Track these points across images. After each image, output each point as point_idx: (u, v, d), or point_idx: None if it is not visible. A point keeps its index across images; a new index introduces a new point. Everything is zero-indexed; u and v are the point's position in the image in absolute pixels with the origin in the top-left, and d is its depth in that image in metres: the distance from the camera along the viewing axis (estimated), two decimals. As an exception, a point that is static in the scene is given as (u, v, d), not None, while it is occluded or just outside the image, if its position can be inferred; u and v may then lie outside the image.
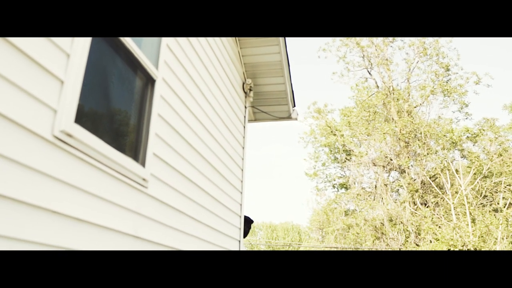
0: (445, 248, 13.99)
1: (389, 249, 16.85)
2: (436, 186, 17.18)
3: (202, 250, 3.47)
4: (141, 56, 2.40)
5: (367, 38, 19.11)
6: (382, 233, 17.92)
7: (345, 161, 21.04)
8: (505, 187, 15.96)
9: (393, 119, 19.03)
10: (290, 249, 25.06)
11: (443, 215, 15.94)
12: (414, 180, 17.85)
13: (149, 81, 2.57)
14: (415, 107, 19.24)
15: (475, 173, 16.38)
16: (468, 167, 17.23)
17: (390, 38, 19.45)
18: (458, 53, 19.77)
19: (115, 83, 2.23)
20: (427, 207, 16.99)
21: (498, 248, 13.75)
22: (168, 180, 2.80)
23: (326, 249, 20.60)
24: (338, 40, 20.13)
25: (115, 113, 2.25)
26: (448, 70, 18.70)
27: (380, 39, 19.48)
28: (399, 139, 18.35)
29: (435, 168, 17.10)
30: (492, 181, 16.23)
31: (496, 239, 13.97)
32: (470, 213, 14.99)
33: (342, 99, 40.67)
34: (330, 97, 45.24)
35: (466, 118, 19.17)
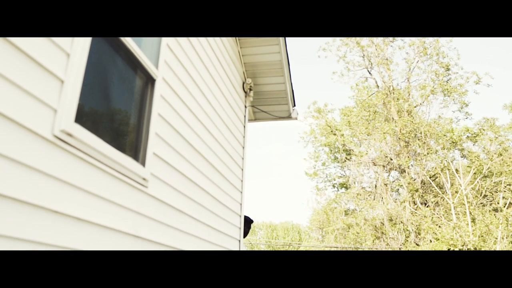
0: (445, 248, 13.99)
1: (389, 249, 16.86)
2: (436, 186, 17.19)
3: (202, 249, 3.47)
4: (141, 55, 2.40)
5: (367, 37, 19.12)
6: (382, 233, 17.93)
7: (345, 160, 21.04)
8: (505, 186, 15.97)
9: (393, 118, 19.03)
10: (290, 249, 25.07)
11: (443, 215, 15.95)
12: (414, 179, 17.85)
13: (149, 81, 2.57)
14: (415, 106, 19.24)
15: (475, 173, 16.39)
16: (468, 166, 17.23)
17: (390, 38, 19.44)
18: (458, 53, 19.75)
19: (115, 83, 2.23)
20: (427, 206, 17.00)
21: (498, 247, 13.76)
22: (168, 179, 2.80)
23: (326, 249, 20.61)
24: (338, 40, 20.13)
25: (115, 113, 2.25)
26: (448, 69, 18.70)
27: (380, 38, 19.47)
28: (399, 138, 18.35)
29: (435, 168, 17.11)
30: (492, 180, 16.23)
31: (496, 238, 13.98)
32: (470, 213, 15.00)
33: (342, 99, 40.72)
34: (330, 96, 45.25)
35: (466, 117, 19.19)
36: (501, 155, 16.68)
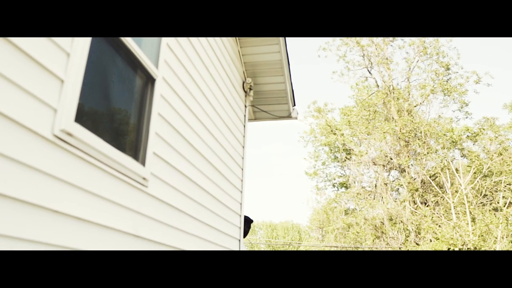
0: (445, 247, 14.00)
1: (389, 248, 16.87)
2: (436, 185, 17.19)
3: (202, 249, 3.47)
4: (141, 55, 2.40)
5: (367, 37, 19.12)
6: (382, 232, 17.94)
7: (345, 160, 21.03)
8: (505, 186, 15.97)
9: (393, 118, 19.02)
10: (290, 248, 25.08)
11: (443, 214, 15.95)
12: (414, 179, 17.86)
13: (149, 80, 2.57)
14: (415, 106, 19.24)
15: (475, 172, 16.39)
16: (468, 166, 17.23)
17: (390, 38, 19.43)
18: (458, 52, 19.70)
19: (115, 82, 2.23)
20: (427, 206, 17.00)
21: (498, 247, 13.77)
22: (168, 179, 2.80)
23: (326, 248, 20.62)
24: (338, 39, 20.12)
25: (115, 112, 2.25)
26: (448, 69, 18.69)
27: (380, 38, 19.46)
28: (399, 138, 18.35)
29: (435, 167, 17.10)
30: (492, 180, 16.24)
31: (496, 238, 13.98)
32: (470, 212, 15.00)
33: (342, 98, 40.65)
34: (330, 96, 45.26)
35: (466, 117, 19.18)
36: (501, 154, 16.68)
